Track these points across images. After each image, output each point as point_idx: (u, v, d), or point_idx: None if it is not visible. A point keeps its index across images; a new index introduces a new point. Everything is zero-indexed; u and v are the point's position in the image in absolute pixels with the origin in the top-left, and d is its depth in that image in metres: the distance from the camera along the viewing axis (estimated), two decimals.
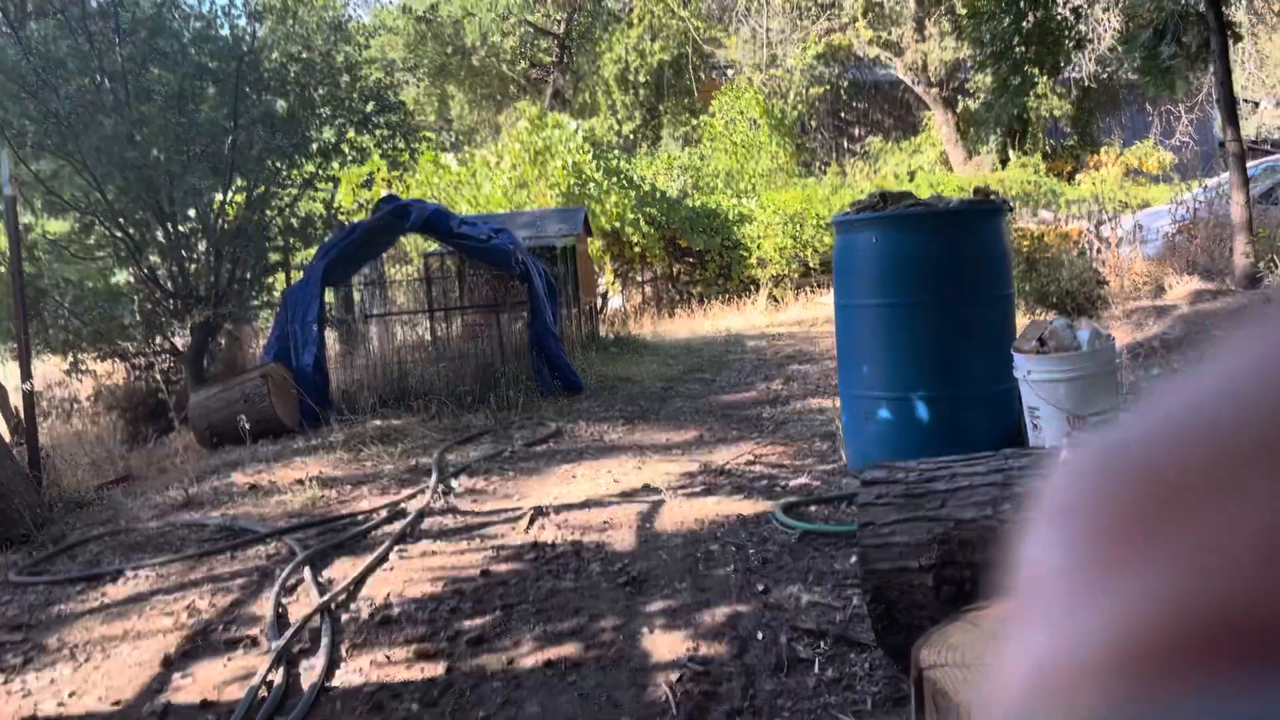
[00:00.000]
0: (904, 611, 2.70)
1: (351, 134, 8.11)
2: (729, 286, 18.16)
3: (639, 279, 18.49)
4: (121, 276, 7.30)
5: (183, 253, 7.32)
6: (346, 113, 8.04)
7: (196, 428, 6.69)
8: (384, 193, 7.89)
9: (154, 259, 7.46)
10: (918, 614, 2.70)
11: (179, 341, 7.67)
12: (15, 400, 6.34)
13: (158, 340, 7.63)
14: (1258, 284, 7.54)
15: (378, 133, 8.28)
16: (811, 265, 18.42)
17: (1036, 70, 11.00)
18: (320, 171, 8.04)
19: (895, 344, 4.76)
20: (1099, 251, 9.68)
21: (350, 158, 8.19)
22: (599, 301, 15.26)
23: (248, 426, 6.29)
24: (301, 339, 7.02)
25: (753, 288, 18.20)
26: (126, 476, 5.86)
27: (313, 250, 8.31)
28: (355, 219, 8.40)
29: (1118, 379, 4.43)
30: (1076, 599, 0.15)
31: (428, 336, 9.39)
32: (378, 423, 6.84)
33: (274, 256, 8.09)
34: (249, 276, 7.78)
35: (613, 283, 17.48)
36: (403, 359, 8.38)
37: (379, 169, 9.20)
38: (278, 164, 7.73)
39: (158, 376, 7.08)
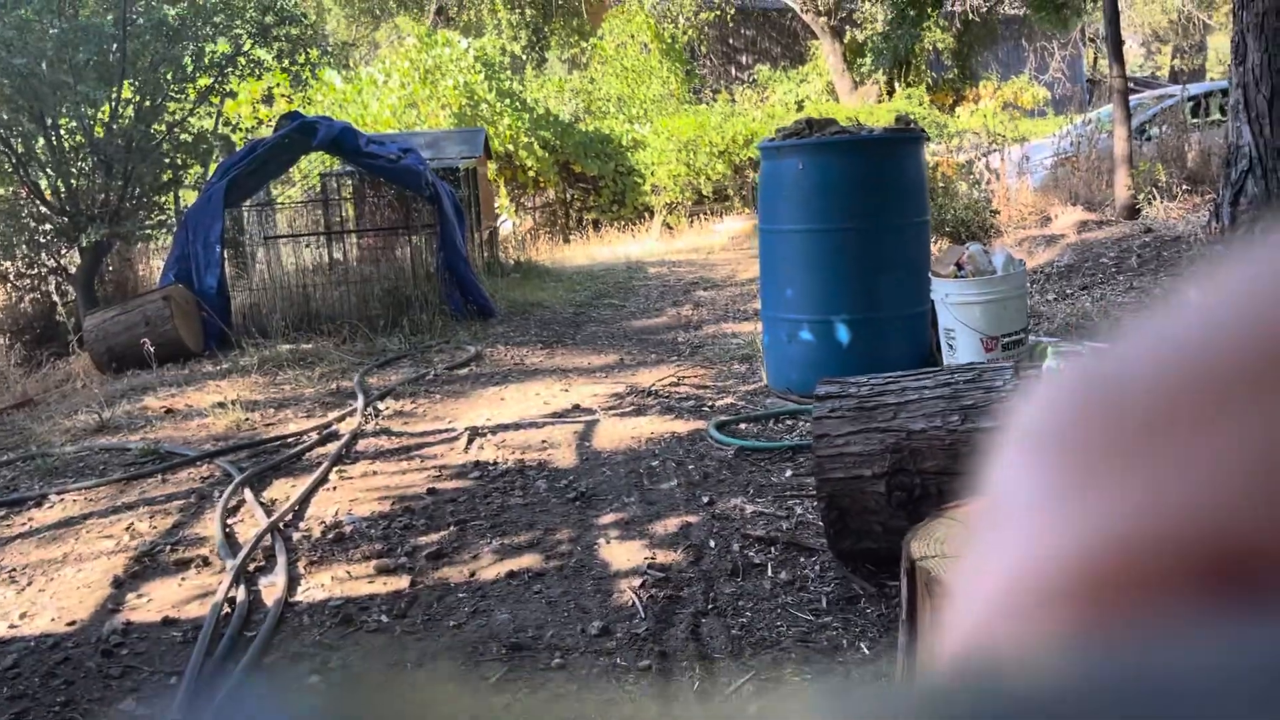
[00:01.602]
0: (856, 517, 2.88)
1: (249, 45, 7.74)
2: (623, 213, 18.17)
3: (531, 204, 18.33)
4: (1, 190, 6.86)
5: (70, 168, 6.92)
6: (243, 24, 7.66)
7: (94, 351, 6.42)
8: (286, 109, 7.58)
9: (37, 176, 7.03)
10: (869, 519, 2.87)
11: (64, 262, 7.29)
12: None
13: (44, 260, 7.23)
14: (1137, 215, 8.01)
15: (276, 45, 7.92)
16: (705, 193, 18.57)
17: (932, 2, 11.23)
18: (217, 86, 7.67)
19: (819, 269, 4.91)
20: (988, 182, 10.07)
21: (246, 71, 7.83)
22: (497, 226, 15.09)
23: (152, 350, 6.08)
24: (204, 260, 6.78)
25: (647, 214, 18.26)
26: (27, 401, 5.61)
27: (202, 169, 7.98)
28: (256, 136, 8.07)
29: (1027, 302, 4.71)
30: (1047, 518, 0.15)
31: (325, 260, 9.17)
32: (287, 347, 6.71)
33: (165, 175, 7.72)
34: (138, 193, 7.42)
35: (507, 207, 17.28)
36: (305, 282, 8.18)
37: (279, 84, 8.83)
38: (169, 75, 7.34)
39: (55, 297, 6.73)
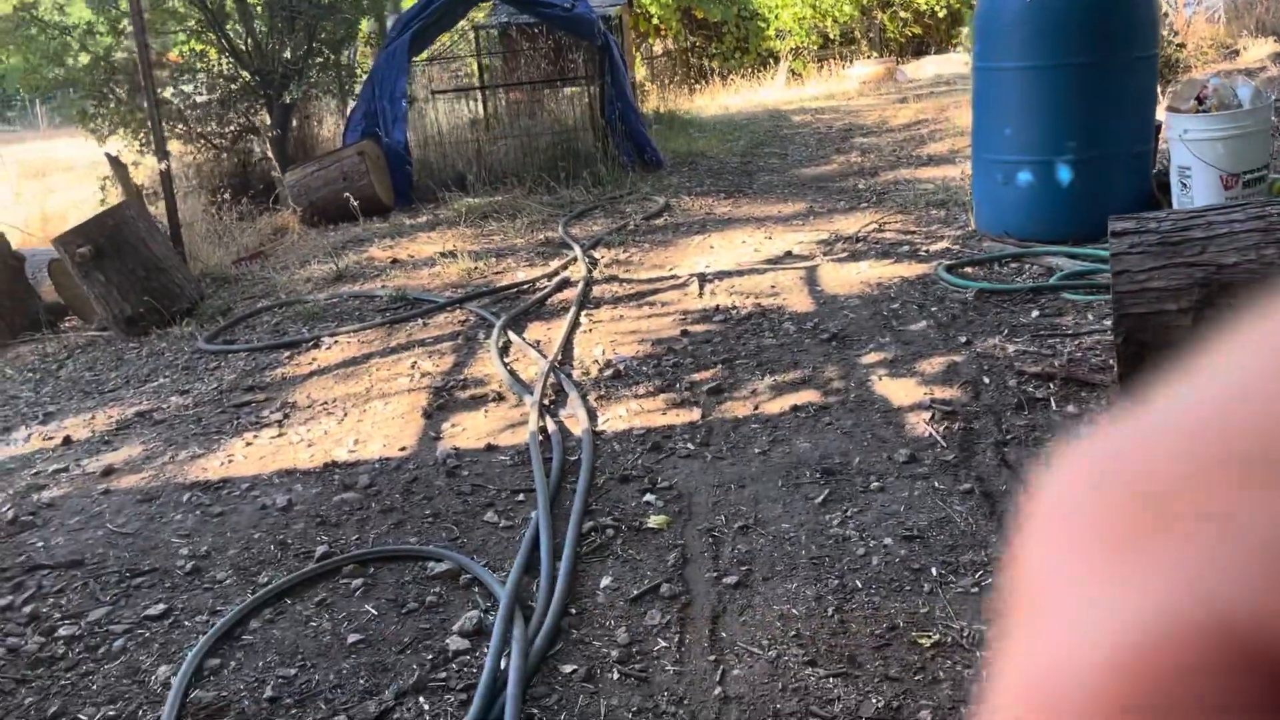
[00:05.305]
0: (1156, 351, 2.92)
1: None
2: (746, 60, 17.71)
3: (650, 54, 17.97)
4: (199, 47, 7.05)
5: (255, 24, 7.06)
6: None
7: (299, 206, 6.70)
8: None
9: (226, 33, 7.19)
10: (1171, 355, 2.92)
11: (256, 120, 7.52)
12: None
13: (234, 118, 7.48)
14: None
15: None
16: (831, 36, 17.95)
17: None
18: None
19: (1041, 107, 4.80)
20: (1165, 14, 9.49)
21: None
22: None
23: (357, 204, 6.31)
24: (391, 115, 6.93)
25: (771, 61, 17.76)
26: (259, 252, 5.93)
27: (375, 23, 8.03)
28: None
29: (1270, 138, 4.54)
30: (1071, 610, 0.15)
31: (480, 114, 9.26)
32: (474, 200, 6.87)
33: (342, 30, 7.82)
34: (318, 48, 7.54)
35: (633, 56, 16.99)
36: (472, 137, 8.30)
37: None
38: None
39: (268, 152, 6.99)
